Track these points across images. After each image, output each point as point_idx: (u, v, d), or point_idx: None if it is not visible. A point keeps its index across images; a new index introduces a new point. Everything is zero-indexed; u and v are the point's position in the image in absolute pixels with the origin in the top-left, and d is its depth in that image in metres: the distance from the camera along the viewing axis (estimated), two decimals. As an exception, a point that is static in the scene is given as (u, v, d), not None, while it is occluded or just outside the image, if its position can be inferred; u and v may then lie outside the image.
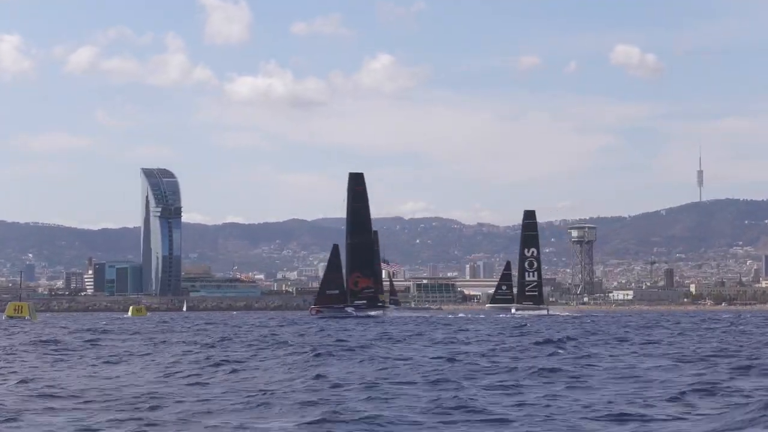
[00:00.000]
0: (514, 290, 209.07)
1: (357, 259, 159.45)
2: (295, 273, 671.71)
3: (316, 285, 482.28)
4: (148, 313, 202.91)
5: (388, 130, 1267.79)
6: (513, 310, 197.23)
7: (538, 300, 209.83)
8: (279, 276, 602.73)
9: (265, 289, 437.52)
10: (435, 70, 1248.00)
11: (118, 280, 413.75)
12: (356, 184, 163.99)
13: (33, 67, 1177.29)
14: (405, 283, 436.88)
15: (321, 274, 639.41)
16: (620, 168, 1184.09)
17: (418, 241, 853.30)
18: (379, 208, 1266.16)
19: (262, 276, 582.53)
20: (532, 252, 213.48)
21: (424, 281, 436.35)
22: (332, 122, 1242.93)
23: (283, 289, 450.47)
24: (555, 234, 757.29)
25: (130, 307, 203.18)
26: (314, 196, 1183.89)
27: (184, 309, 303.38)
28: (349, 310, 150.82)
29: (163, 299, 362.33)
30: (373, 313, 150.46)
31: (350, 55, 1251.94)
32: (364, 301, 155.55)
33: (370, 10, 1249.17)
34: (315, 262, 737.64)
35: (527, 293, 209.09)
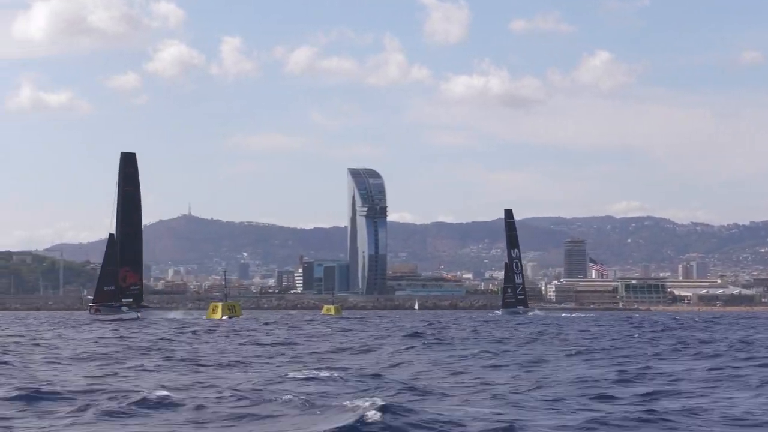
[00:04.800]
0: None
1: (126, 251, 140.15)
2: (503, 272, 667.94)
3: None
4: (344, 312, 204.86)
5: (603, 127, 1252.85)
6: (530, 313, 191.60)
7: (524, 302, 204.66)
8: (486, 275, 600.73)
9: (470, 287, 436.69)
10: (653, 67, 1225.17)
11: (326, 279, 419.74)
12: (127, 166, 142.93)
13: (254, 68, 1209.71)
14: (613, 283, 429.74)
15: (530, 273, 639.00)
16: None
17: (629, 240, 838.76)
18: (589, 207, 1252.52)
19: (470, 275, 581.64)
20: (516, 253, 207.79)
21: (633, 281, 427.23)
22: (546, 120, 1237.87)
23: (489, 288, 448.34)
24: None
25: (325, 306, 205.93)
26: (524, 194, 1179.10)
27: (416, 307, 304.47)
28: (124, 309, 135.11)
29: (369, 298, 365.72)
30: (126, 315, 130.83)
31: (568, 52, 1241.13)
32: (130, 300, 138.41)
33: (592, 6, 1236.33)
34: (524, 262, 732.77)
35: (518, 296, 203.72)
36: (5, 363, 37.37)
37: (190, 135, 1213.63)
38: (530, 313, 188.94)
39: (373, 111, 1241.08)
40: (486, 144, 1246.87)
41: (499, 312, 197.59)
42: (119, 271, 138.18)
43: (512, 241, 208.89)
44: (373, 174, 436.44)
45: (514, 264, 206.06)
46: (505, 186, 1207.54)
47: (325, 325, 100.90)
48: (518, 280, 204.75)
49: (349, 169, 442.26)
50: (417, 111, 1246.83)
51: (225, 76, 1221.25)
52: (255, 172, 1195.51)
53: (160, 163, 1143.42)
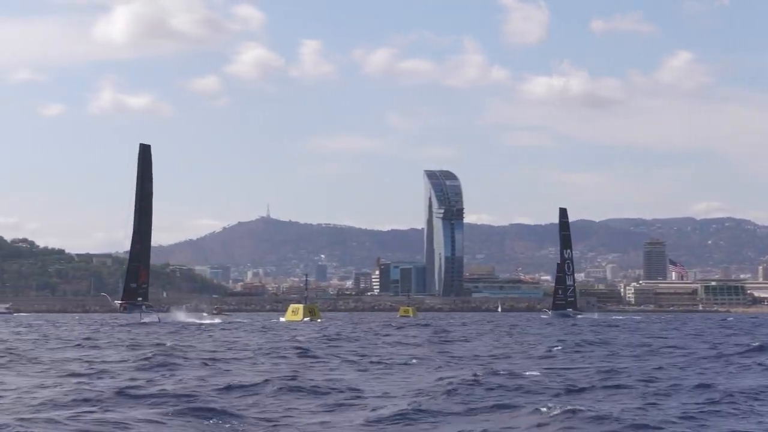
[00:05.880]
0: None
1: (143, 247, 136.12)
2: (583, 274, 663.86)
3: (601, 287, 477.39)
4: (420, 314, 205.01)
5: (684, 128, 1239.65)
6: (578, 316, 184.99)
7: (574, 305, 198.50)
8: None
9: (548, 290, 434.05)
10: (734, 67, 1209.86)
11: (403, 280, 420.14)
12: (145, 158, 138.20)
13: (332, 71, 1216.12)
14: (692, 285, 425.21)
15: (609, 275, 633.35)
16: None
17: (709, 242, 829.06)
18: (669, 209, 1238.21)
19: (548, 277, 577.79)
20: (568, 254, 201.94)
21: (712, 283, 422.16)
22: (626, 121, 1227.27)
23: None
24: None
25: (402, 308, 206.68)
26: (602, 196, 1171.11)
27: (499, 310, 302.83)
28: (144, 307, 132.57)
29: (446, 300, 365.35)
30: (147, 318, 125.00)
31: (649, 52, 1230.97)
32: (140, 298, 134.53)
33: (672, 6, 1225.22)
34: (603, 263, 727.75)
35: (568, 298, 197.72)
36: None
37: (268, 137, 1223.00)
38: (579, 316, 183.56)
39: (451, 112, 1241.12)
40: (565, 145, 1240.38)
41: (549, 313, 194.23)
42: (139, 268, 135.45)
43: (565, 242, 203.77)
44: (450, 176, 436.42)
45: (566, 265, 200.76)
46: (585, 187, 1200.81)
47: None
48: (569, 282, 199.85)
49: (425, 170, 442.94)
50: (495, 112, 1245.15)
51: (304, 79, 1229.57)
52: (332, 174, 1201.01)
53: (239, 165, 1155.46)
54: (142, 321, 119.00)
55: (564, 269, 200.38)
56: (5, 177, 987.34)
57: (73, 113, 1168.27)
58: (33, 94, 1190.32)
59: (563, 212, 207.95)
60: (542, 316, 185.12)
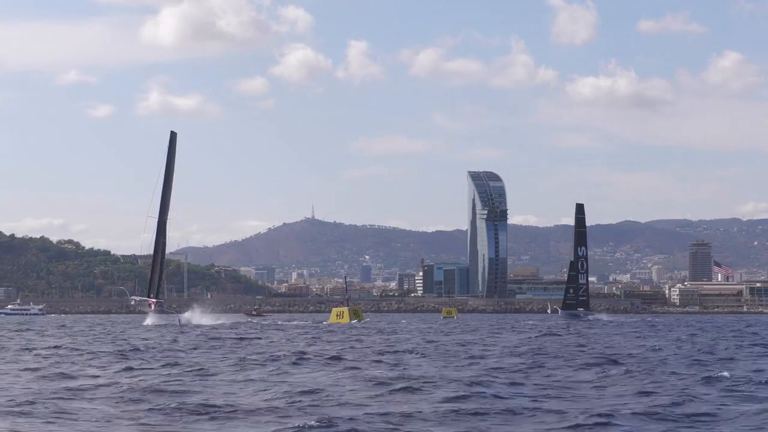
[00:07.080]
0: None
1: (163, 241, 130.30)
2: (628, 275, 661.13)
3: (647, 288, 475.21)
4: (457, 316, 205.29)
5: (731, 128, 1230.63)
6: (590, 317, 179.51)
7: (587, 305, 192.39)
8: (610, 278, 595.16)
9: (593, 291, 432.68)
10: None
11: (446, 282, 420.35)
12: (172, 145, 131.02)
13: (379, 72, 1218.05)
14: (737, 286, 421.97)
15: (655, 277, 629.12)
16: None
17: (755, 243, 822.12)
18: (715, 209, 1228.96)
19: (593, 278, 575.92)
20: (583, 251, 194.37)
21: (758, 284, 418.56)
22: (674, 121, 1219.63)
23: (613, 291, 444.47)
24: None
25: (444, 309, 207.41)
26: (648, 196, 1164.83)
27: (548, 311, 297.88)
28: (164, 305, 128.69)
29: (489, 301, 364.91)
30: (151, 321, 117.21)
31: (697, 52, 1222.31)
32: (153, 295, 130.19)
33: (722, 6, 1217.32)
34: (649, 265, 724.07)
35: (579, 298, 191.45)
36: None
37: (314, 138, 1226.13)
38: (590, 317, 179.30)
39: (497, 113, 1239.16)
40: (612, 145, 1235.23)
41: (559, 312, 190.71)
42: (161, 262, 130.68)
43: (580, 239, 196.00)
44: (494, 177, 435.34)
45: (579, 263, 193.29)
46: (631, 188, 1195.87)
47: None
48: (582, 281, 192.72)
49: (469, 172, 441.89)
50: (542, 113, 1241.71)
51: (351, 80, 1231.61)
52: (378, 175, 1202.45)
53: (284, 166, 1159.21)
54: (144, 323, 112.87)
55: (577, 267, 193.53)
56: (52, 178, 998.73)
57: (121, 114, 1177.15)
58: (82, 96, 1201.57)
59: (580, 208, 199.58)
60: (557, 319, 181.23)
